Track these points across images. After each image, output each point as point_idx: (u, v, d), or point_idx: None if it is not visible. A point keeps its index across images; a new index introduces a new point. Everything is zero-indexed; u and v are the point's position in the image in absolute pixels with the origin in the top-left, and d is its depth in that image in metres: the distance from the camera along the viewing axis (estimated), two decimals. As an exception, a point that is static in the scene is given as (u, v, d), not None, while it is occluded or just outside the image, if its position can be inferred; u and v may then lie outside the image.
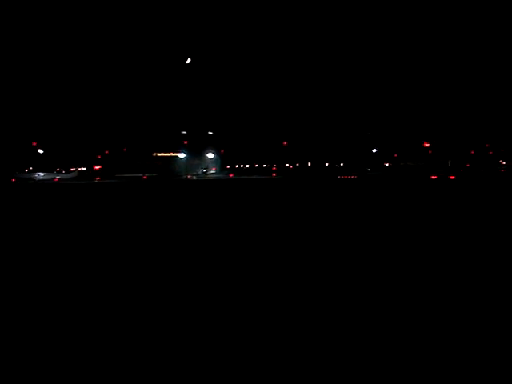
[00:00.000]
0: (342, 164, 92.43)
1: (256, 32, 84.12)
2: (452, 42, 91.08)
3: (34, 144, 74.99)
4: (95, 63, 78.34)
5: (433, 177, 57.03)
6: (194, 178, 67.04)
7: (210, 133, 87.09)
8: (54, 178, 66.61)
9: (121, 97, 80.00)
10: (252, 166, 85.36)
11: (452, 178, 54.13)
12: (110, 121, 79.23)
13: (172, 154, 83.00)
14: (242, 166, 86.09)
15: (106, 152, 79.63)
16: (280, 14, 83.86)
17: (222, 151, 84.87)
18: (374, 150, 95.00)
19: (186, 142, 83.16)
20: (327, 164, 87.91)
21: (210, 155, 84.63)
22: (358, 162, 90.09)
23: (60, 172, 73.34)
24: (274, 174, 74.72)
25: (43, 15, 77.56)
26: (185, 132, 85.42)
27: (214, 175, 79.64)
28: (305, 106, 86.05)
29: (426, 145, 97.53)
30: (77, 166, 76.71)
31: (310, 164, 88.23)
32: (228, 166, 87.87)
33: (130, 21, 78.47)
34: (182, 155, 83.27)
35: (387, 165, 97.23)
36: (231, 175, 72.78)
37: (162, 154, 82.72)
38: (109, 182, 61.43)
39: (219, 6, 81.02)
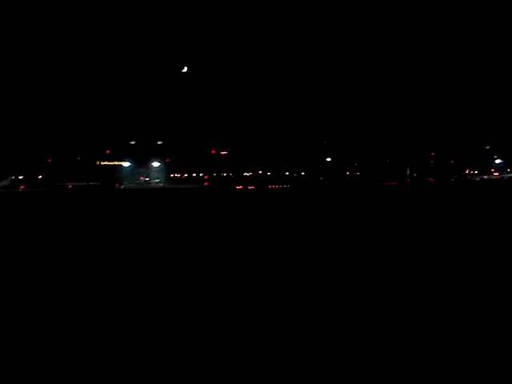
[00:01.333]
0: (302, 173, 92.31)
1: (203, 43, 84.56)
2: (414, 49, 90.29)
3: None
4: (40, 68, 79.25)
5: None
6: (122, 187, 67.24)
7: (160, 142, 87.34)
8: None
9: (66, 104, 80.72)
10: (189, 175, 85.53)
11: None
12: (54, 128, 79.91)
13: (116, 163, 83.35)
14: (178, 175, 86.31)
15: (49, 160, 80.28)
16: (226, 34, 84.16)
17: (168, 160, 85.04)
18: (329, 159, 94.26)
19: (131, 151, 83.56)
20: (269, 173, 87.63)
21: (156, 164, 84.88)
22: (310, 171, 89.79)
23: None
24: (206, 183, 74.99)
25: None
26: (133, 142, 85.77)
27: (159, 184, 79.87)
28: (253, 114, 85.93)
29: (384, 154, 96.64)
30: (15, 175, 77.49)
31: (257, 172, 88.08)
32: (178, 175, 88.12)
33: (76, 33, 79.37)
34: (126, 164, 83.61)
35: (347, 173, 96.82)
36: (162, 185, 73.18)
37: (107, 163, 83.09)
38: (32, 190, 62.03)
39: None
